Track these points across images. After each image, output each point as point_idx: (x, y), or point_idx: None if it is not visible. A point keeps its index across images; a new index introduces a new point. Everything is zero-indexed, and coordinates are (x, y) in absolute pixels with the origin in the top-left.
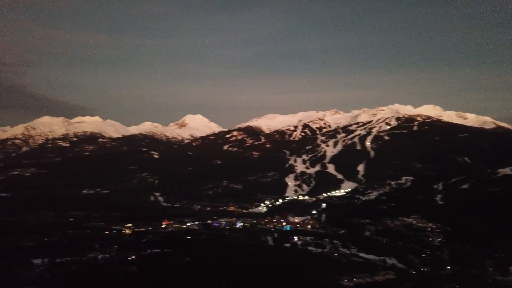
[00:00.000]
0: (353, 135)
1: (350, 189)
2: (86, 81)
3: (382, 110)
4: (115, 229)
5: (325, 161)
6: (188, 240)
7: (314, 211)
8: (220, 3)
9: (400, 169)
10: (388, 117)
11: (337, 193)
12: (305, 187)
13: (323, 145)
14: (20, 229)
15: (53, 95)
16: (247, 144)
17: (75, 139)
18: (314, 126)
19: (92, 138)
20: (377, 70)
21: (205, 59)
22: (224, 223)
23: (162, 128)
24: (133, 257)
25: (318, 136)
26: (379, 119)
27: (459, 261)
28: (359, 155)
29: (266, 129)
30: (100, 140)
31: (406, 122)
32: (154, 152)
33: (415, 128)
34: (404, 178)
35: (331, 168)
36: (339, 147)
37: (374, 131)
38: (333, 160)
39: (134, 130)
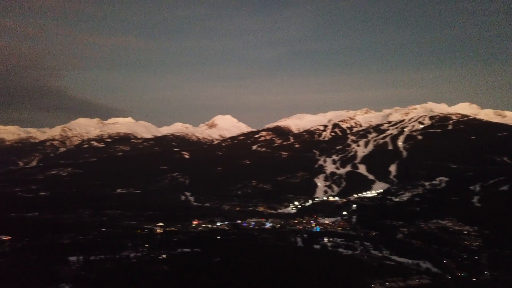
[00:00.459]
0: (384, 134)
1: (381, 190)
2: (120, 83)
3: (415, 109)
4: (147, 228)
5: (355, 161)
6: (218, 240)
7: (344, 212)
8: (251, 5)
9: (434, 169)
10: (421, 116)
11: (368, 194)
12: (335, 187)
13: (353, 145)
14: (58, 227)
15: (89, 97)
16: (276, 144)
17: (109, 140)
18: (344, 125)
19: (125, 138)
20: (410, 68)
21: (235, 60)
22: (253, 223)
23: (193, 128)
24: (164, 256)
25: (349, 135)
26: (412, 118)
27: (499, 266)
28: (391, 155)
29: (295, 129)
30: (133, 140)
31: (440, 121)
32: (185, 152)
33: (450, 127)
34: (438, 179)
35: (362, 169)
36: (370, 147)
37: (407, 130)
38: (364, 160)
39: (165, 130)
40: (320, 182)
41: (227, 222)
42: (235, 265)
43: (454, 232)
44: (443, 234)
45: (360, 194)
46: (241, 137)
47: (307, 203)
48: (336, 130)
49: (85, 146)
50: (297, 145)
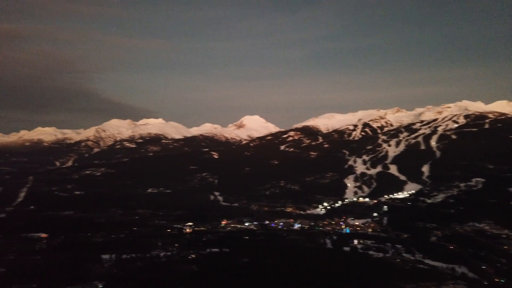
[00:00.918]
0: (417, 134)
1: (414, 191)
2: (151, 85)
3: (449, 107)
4: (177, 227)
5: (386, 162)
6: (246, 240)
7: (375, 214)
8: (279, 4)
9: (469, 170)
10: (455, 115)
11: (400, 195)
12: (365, 188)
13: (384, 145)
14: (91, 225)
15: (121, 99)
16: (304, 144)
17: (140, 141)
18: (375, 125)
19: (156, 139)
20: (442, 65)
21: (263, 60)
22: (281, 224)
23: (221, 129)
24: (193, 256)
25: (379, 135)
26: (446, 117)
27: None
28: (424, 155)
29: (324, 129)
30: (163, 141)
31: (476, 119)
32: (214, 153)
33: (486, 126)
34: (474, 180)
35: (393, 169)
36: (401, 146)
37: (440, 129)
38: (396, 160)
39: (195, 131)
40: (350, 182)
41: (255, 223)
42: (264, 266)
43: (492, 236)
44: (479, 237)
45: (391, 195)
46: (269, 137)
47: (337, 204)
48: (366, 129)
49: (118, 146)
50: (326, 145)
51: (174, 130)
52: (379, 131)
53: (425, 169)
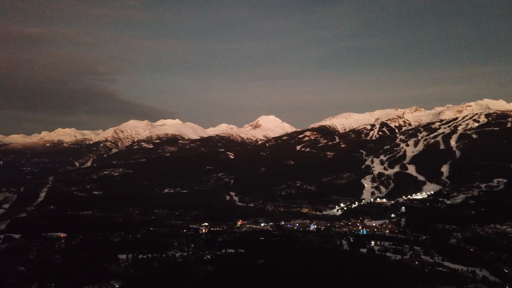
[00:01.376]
0: (436, 133)
1: (432, 192)
2: (168, 86)
3: (469, 106)
4: (193, 227)
5: (405, 162)
6: (262, 241)
7: (392, 215)
8: (294, 5)
9: (491, 170)
10: (476, 114)
11: (418, 196)
12: (383, 189)
13: (402, 145)
14: (109, 225)
15: (139, 100)
16: (320, 144)
17: (157, 141)
18: (392, 124)
19: (173, 139)
20: (463, 63)
21: (279, 60)
22: (297, 224)
23: (237, 129)
24: (208, 256)
25: (397, 135)
26: (466, 116)
27: None
28: (443, 155)
29: (340, 129)
30: (180, 141)
31: (497, 118)
32: (230, 153)
33: (508, 125)
34: (496, 180)
35: (411, 169)
36: (420, 146)
37: (460, 129)
38: (414, 160)
39: (211, 131)
40: (367, 183)
41: (271, 223)
42: (279, 268)
43: None
44: (501, 239)
45: (409, 196)
46: (285, 137)
47: (353, 205)
48: (384, 129)
49: (135, 147)
50: (343, 145)
51: (191, 131)
52: (397, 130)
53: (445, 169)
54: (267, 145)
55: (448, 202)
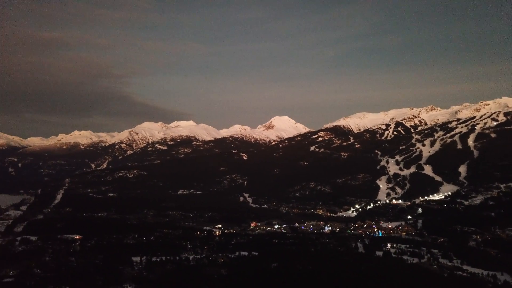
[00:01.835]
0: (453, 133)
1: (450, 193)
2: (182, 87)
3: (487, 104)
4: (206, 229)
5: (421, 162)
6: (276, 243)
7: (409, 217)
8: (308, 5)
9: (510, 170)
10: (494, 112)
11: (435, 197)
12: (398, 190)
13: (418, 145)
14: (123, 227)
15: (153, 102)
16: (334, 145)
17: (171, 143)
18: (408, 124)
19: (187, 141)
20: (480, 61)
21: (293, 60)
22: (311, 226)
23: (251, 130)
24: (222, 259)
25: (413, 134)
26: (484, 114)
27: None
28: (461, 155)
29: (355, 129)
30: (194, 143)
31: None
32: (243, 154)
33: None
34: None
35: (428, 170)
36: (436, 146)
37: (478, 128)
38: (430, 160)
39: (224, 132)
40: (382, 184)
41: (284, 225)
42: (293, 272)
43: None
44: None
45: (426, 197)
46: (299, 138)
47: (369, 206)
48: (399, 129)
49: (150, 148)
50: (357, 145)
51: (205, 132)
52: (412, 130)
53: (462, 169)
54: (281, 146)
55: (467, 203)
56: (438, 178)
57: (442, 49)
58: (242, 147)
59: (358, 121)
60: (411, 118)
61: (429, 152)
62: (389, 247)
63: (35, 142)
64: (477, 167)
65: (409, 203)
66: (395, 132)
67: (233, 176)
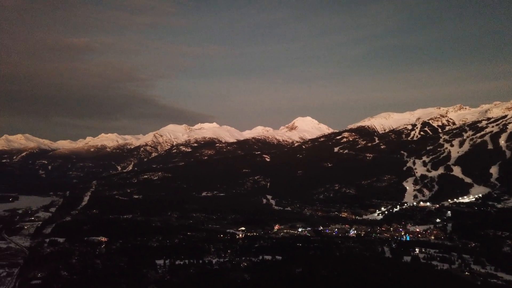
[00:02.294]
0: (483, 132)
1: (481, 195)
2: (206, 90)
3: None
4: (229, 232)
5: (449, 163)
6: (299, 247)
7: (437, 220)
8: (331, 5)
9: None
10: None
11: (465, 199)
12: (426, 192)
13: (446, 145)
14: (148, 229)
15: (178, 104)
16: (359, 146)
17: (195, 145)
18: (435, 124)
19: (210, 143)
20: (510, 58)
21: (316, 60)
22: (336, 230)
23: (273, 131)
24: (245, 263)
25: (441, 135)
26: None
27: None
28: (492, 156)
29: (380, 129)
30: (217, 145)
31: None
32: (266, 156)
33: None
34: None
35: (457, 171)
36: (466, 146)
37: (510, 127)
38: (459, 161)
39: (247, 134)
40: (409, 185)
41: (308, 228)
42: (318, 278)
43: None
44: None
45: (455, 199)
46: (322, 139)
47: (395, 209)
48: (426, 129)
49: (174, 151)
50: (383, 146)
51: (228, 134)
52: (440, 130)
53: (494, 170)
54: (304, 147)
55: (499, 206)
56: (468, 180)
57: (469, 46)
58: (264, 149)
59: (383, 121)
60: (439, 117)
61: (458, 152)
62: (417, 251)
63: (64, 145)
64: (509, 168)
65: (437, 205)
66: (421, 132)
67: (256, 177)
